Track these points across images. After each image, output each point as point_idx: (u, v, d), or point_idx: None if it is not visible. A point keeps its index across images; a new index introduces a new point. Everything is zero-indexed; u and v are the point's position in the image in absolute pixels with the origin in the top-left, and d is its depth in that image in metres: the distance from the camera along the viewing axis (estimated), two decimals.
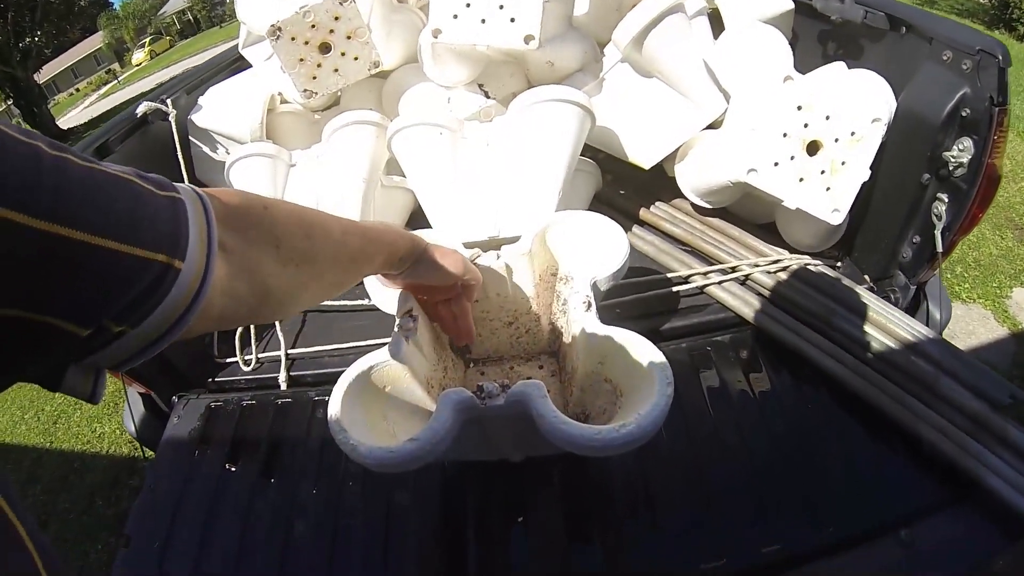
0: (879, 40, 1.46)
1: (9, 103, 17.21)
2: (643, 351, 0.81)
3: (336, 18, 1.52)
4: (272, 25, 1.51)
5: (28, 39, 14.00)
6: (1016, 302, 2.81)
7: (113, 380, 1.88)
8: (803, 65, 1.47)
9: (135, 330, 0.40)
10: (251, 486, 1.26)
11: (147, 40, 36.37)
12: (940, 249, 1.24)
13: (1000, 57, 1.09)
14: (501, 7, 1.38)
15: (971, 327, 2.68)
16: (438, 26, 1.45)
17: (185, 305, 0.43)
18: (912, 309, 1.39)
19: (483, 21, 1.41)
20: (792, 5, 1.65)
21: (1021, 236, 3.23)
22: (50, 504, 2.78)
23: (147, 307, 0.40)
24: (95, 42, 35.69)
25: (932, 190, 1.25)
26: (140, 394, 1.56)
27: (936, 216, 1.23)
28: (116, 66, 36.34)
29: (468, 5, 1.41)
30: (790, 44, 1.51)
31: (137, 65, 33.47)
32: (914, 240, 1.32)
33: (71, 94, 34.30)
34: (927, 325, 1.29)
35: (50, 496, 2.83)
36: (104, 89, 29.00)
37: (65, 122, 16.54)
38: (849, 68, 1.38)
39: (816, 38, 1.70)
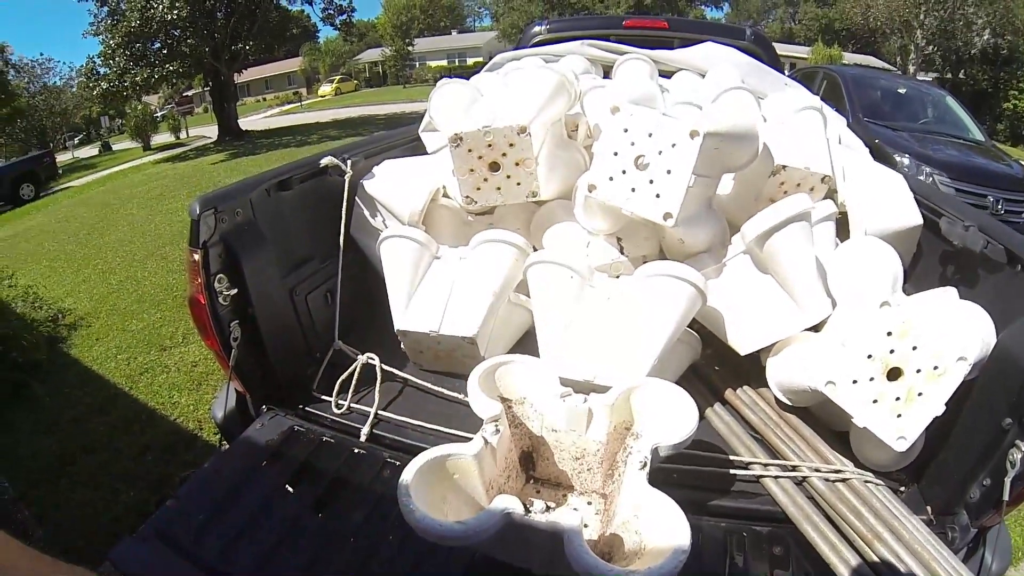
0: (995, 272, 1.50)
1: (206, 91, 19.69)
2: (673, 518, 0.96)
3: (511, 144, 1.76)
4: (456, 133, 1.77)
5: (240, 44, 16.22)
6: None
7: (221, 373, 2.11)
8: (921, 279, 1.54)
9: None
10: (301, 510, 1.38)
11: (337, 77, 40.32)
12: (1006, 498, 1.22)
13: None
14: (651, 182, 1.56)
15: None
16: (594, 183, 1.64)
17: None
18: (968, 552, 1.35)
19: (633, 190, 1.59)
20: (921, 221, 1.74)
21: None
22: (109, 437, 3.12)
23: None
24: (293, 64, 40.32)
25: (1012, 435, 1.22)
26: (237, 392, 1.74)
27: (1011, 463, 1.21)
28: (303, 90, 40.25)
29: (624, 172, 1.60)
30: (915, 256, 1.56)
31: (321, 96, 37.04)
32: (984, 482, 1.28)
33: (258, 100, 38.34)
34: (978, 574, 1.28)
35: (113, 431, 3.17)
36: (287, 107, 32.09)
37: (245, 124, 18.57)
38: (962, 295, 1.43)
39: (938, 257, 1.75)
